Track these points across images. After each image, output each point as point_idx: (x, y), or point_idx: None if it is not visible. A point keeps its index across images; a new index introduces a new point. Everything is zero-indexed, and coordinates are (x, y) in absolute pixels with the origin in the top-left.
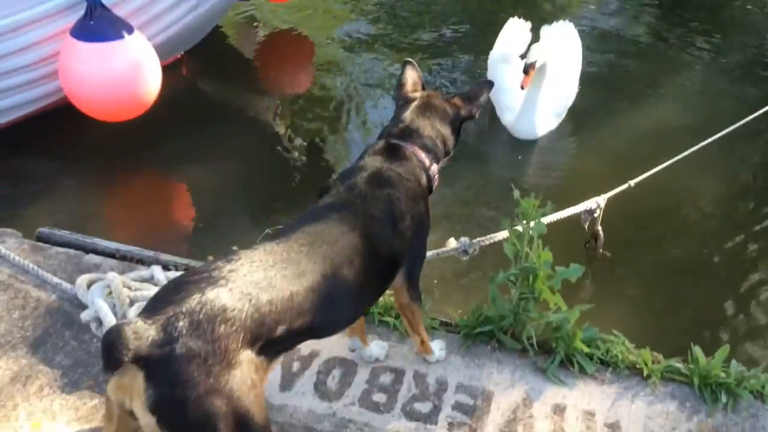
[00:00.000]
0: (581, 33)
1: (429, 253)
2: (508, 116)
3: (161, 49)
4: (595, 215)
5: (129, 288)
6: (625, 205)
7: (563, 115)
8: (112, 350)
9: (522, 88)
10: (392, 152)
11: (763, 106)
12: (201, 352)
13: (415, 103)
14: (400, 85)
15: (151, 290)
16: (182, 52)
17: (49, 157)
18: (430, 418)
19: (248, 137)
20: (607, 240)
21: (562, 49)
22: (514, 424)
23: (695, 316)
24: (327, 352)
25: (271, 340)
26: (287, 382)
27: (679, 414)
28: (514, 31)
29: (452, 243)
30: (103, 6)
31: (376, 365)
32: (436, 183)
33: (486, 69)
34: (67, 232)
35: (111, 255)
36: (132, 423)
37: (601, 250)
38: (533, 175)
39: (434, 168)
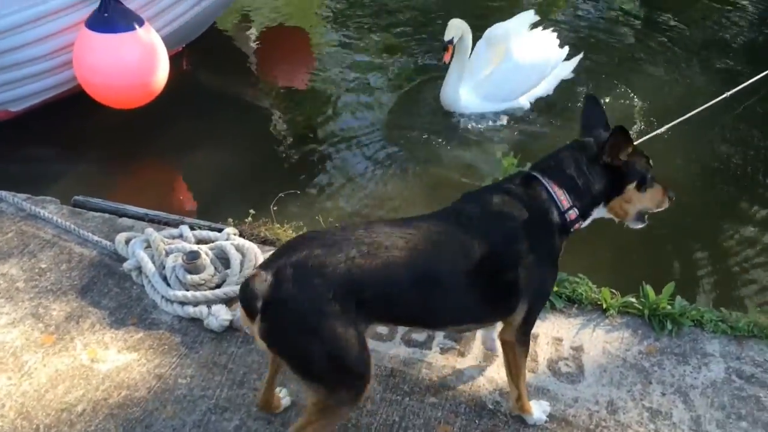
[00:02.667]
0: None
1: None
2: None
3: (167, 41)
4: None
5: (163, 242)
6: None
7: (512, 104)
8: (248, 298)
9: (439, 61)
10: (526, 184)
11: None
12: (299, 297)
13: (575, 143)
14: (583, 125)
15: (182, 244)
16: (183, 46)
17: (62, 143)
18: (425, 344)
19: (246, 125)
20: None
21: (508, 40)
22: (495, 348)
23: (649, 266)
24: None
25: (362, 300)
26: None
27: (632, 339)
28: (522, 19)
29: None
30: None
31: None
32: (576, 226)
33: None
34: (100, 199)
35: (141, 218)
36: None
37: None
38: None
39: (573, 212)
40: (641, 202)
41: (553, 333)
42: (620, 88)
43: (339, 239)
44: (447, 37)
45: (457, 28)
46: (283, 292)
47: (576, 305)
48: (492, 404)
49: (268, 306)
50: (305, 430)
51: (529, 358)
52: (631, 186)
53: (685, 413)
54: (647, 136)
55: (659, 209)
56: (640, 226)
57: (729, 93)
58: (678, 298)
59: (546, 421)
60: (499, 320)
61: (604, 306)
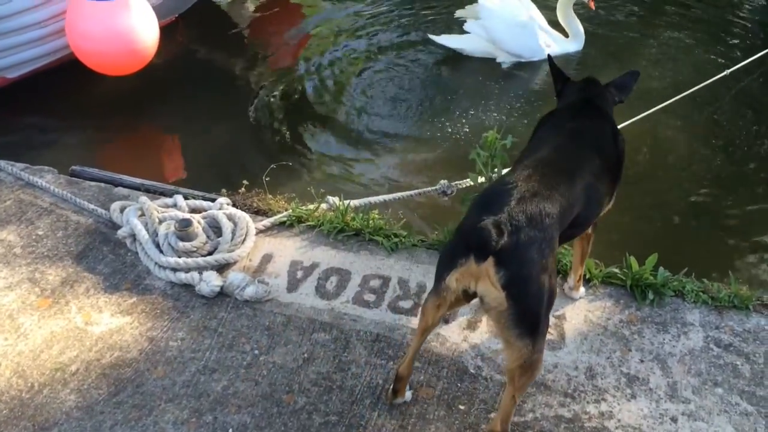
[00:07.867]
0: None
1: (411, 192)
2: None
3: (158, 10)
4: None
5: (157, 210)
6: None
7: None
8: (484, 244)
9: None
10: (596, 104)
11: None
12: (538, 239)
13: (581, 85)
14: (556, 75)
15: (175, 213)
16: (176, 16)
17: (61, 113)
18: (411, 311)
19: (240, 98)
20: None
21: None
22: (480, 313)
23: (634, 238)
24: (326, 263)
25: (563, 230)
26: (293, 286)
27: (614, 308)
28: None
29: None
30: None
31: (367, 273)
32: None
33: None
34: (96, 169)
35: (136, 188)
36: (461, 304)
37: None
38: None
39: None
40: None
41: None
42: (625, 65)
43: (533, 186)
44: None
45: None
46: (524, 237)
47: (561, 275)
48: (474, 369)
49: (510, 254)
50: (514, 399)
51: None
52: None
53: (662, 379)
54: (646, 113)
55: None
56: None
57: (729, 71)
58: (661, 269)
59: None
60: None
61: (588, 276)
